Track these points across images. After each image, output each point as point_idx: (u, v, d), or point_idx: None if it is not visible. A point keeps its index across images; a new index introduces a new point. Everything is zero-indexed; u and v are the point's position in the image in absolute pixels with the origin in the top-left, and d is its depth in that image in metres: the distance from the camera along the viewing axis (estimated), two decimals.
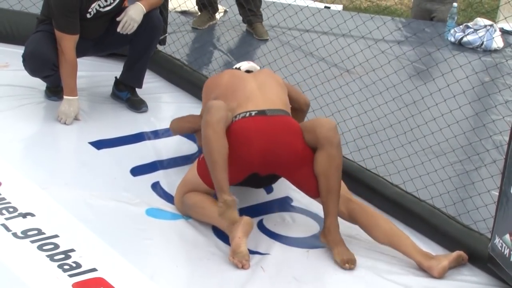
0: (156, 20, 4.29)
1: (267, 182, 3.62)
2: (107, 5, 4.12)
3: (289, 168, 3.38)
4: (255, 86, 3.60)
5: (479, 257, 3.20)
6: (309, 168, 3.33)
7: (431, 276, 3.16)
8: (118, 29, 4.13)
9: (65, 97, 4.14)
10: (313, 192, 3.38)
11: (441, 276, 3.16)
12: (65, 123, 4.11)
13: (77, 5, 4.00)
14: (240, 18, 5.82)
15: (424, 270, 3.18)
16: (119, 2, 4.15)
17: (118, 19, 4.13)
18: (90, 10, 4.08)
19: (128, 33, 4.15)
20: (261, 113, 3.42)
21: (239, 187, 3.68)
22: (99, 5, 4.09)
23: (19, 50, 4.22)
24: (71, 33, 4.03)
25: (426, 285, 3.11)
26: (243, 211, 3.48)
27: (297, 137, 3.37)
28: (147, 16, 4.18)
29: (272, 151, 3.32)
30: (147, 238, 3.26)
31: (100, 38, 4.27)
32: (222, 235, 3.31)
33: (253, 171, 3.40)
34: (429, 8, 6.32)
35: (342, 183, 3.39)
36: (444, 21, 6.20)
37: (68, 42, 4.03)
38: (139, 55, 4.36)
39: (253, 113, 3.41)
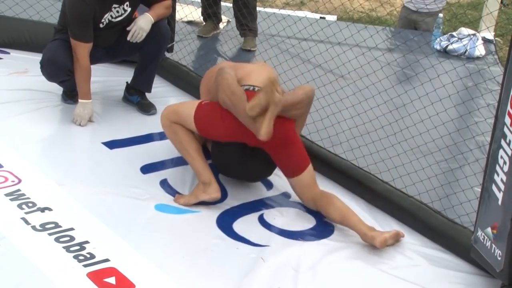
0: (164, 30, 4.30)
1: (253, 171, 3.61)
2: (119, 16, 4.14)
3: (277, 146, 3.40)
4: (255, 66, 3.72)
5: (463, 248, 3.21)
6: (294, 150, 3.41)
7: (374, 246, 3.23)
8: (128, 38, 4.14)
9: (80, 100, 4.15)
10: (291, 173, 3.48)
11: (382, 246, 3.23)
12: (80, 125, 4.13)
13: (91, 15, 4.01)
14: None
15: (369, 242, 3.26)
16: (130, 13, 4.16)
17: (128, 28, 4.14)
18: (103, 20, 4.09)
19: (137, 41, 4.16)
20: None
21: (240, 184, 3.70)
22: (111, 16, 4.10)
23: (38, 57, 4.22)
24: (85, 41, 4.04)
25: (415, 274, 3.12)
26: (245, 206, 3.51)
27: (291, 123, 3.45)
28: (155, 26, 4.19)
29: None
30: (155, 231, 3.27)
31: (112, 46, 4.28)
32: (225, 227, 3.32)
33: (243, 140, 3.42)
34: (414, 19, 6.34)
35: (309, 171, 3.47)
36: (428, 31, 6.21)
37: (82, 49, 4.04)
38: (148, 61, 4.37)
39: (256, 89, 3.44)
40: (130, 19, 4.18)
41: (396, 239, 3.31)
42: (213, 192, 3.42)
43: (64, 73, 4.12)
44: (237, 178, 3.71)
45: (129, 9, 4.15)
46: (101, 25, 4.09)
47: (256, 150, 3.46)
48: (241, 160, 3.51)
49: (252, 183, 3.75)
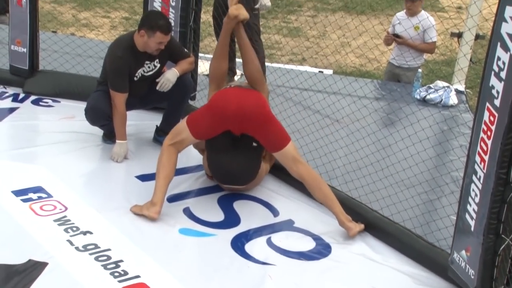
0: (187, 82, 4.33)
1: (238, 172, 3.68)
2: (150, 71, 4.16)
3: (257, 123, 3.52)
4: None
5: (441, 268, 3.16)
6: (273, 125, 3.56)
7: (348, 234, 3.44)
8: (157, 88, 4.16)
9: (117, 141, 4.16)
10: (275, 148, 3.58)
11: (354, 236, 3.43)
12: (117, 161, 4.13)
13: (127, 71, 4.04)
14: None
15: (344, 228, 3.46)
16: (159, 68, 4.19)
17: (157, 80, 4.17)
18: (136, 74, 4.12)
19: (165, 91, 4.18)
20: (238, 86, 3.74)
21: (251, 211, 3.67)
22: (143, 70, 4.13)
23: (83, 105, 4.25)
24: (122, 92, 4.06)
25: None
26: (255, 230, 3.48)
27: (265, 102, 3.61)
28: (181, 79, 4.21)
29: (245, 108, 3.49)
30: (179, 252, 3.25)
31: (144, 95, 4.30)
32: (238, 248, 3.29)
33: (228, 127, 3.52)
34: (397, 73, 6.35)
35: (291, 146, 3.58)
36: (409, 83, 6.21)
37: (119, 98, 4.06)
38: (174, 108, 4.38)
39: (232, 85, 3.75)
40: (159, 73, 4.21)
41: (361, 230, 3.50)
42: (153, 212, 3.42)
43: (104, 118, 4.14)
44: (230, 180, 3.74)
45: (158, 65, 4.17)
46: (135, 78, 4.12)
47: (239, 150, 3.58)
48: (230, 160, 3.61)
49: (245, 189, 3.80)
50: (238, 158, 3.61)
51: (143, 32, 3.95)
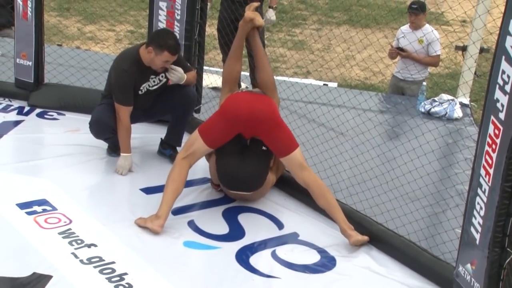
0: (191, 94, 4.36)
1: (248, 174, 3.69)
2: (155, 85, 4.19)
3: (268, 127, 3.58)
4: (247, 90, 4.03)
5: (446, 281, 3.15)
6: (282, 130, 3.61)
7: (348, 243, 3.46)
8: (168, 70, 4.11)
9: (121, 154, 4.17)
10: (283, 153, 3.61)
11: (353, 245, 3.45)
12: (121, 174, 4.14)
13: (132, 85, 4.06)
14: None
15: (346, 237, 3.48)
16: (164, 82, 4.22)
17: (167, 74, 4.13)
18: (141, 88, 4.14)
19: (170, 77, 4.12)
20: (249, 91, 3.88)
21: (256, 223, 3.67)
22: (148, 85, 4.16)
23: (87, 118, 4.28)
24: (127, 105, 4.09)
25: None
26: (260, 243, 3.48)
27: (275, 107, 3.69)
28: (184, 91, 4.24)
29: (256, 111, 3.56)
30: (184, 264, 3.25)
31: (149, 108, 4.32)
32: (243, 261, 3.29)
33: (239, 130, 3.58)
34: (402, 86, 6.37)
35: (298, 152, 3.62)
36: (414, 96, 6.23)
37: (124, 112, 4.08)
38: (178, 120, 4.40)
39: (243, 90, 3.79)
40: (164, 87, 4.23)
41: (364, 243, 3.50)
42: (156, 225, 3.44)
43: (109, 131, 4.16)
44: (238, 186, 3.74)
45: (164, 79, 4.20)
46: (140, 92, 4.14)
47: (248, 155, 3.63)
48: (239, 165, 3.65)
49: (251, 197, 3.81)
50: (246, 163, 3.65)
51: (151, 49, 3.97)
